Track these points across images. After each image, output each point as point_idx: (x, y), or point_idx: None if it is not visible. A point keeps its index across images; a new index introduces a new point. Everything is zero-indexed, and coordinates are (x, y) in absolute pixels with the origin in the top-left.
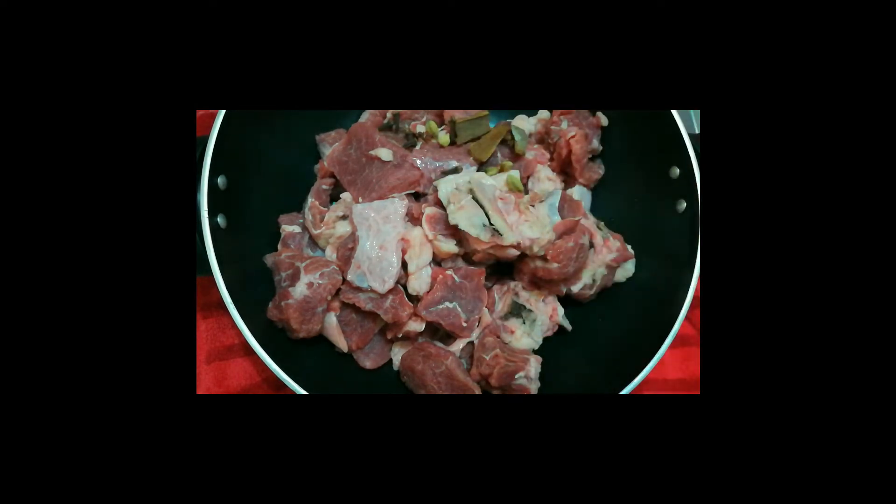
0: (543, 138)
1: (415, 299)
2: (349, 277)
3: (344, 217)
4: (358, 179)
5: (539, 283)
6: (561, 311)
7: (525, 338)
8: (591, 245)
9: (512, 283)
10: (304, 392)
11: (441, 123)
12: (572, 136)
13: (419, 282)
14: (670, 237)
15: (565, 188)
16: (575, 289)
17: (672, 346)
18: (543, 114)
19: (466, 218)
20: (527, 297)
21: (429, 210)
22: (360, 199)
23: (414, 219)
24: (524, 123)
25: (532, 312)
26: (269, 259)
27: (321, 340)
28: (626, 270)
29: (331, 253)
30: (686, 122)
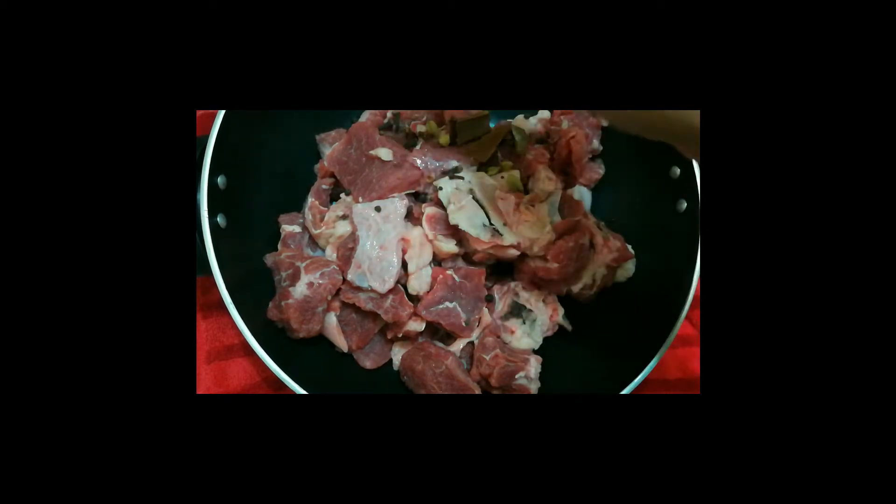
0: (543, 138)
1: (415, 299)
2: (349, 277)
3: (344, 217)
4: (358, 179)
5: (539, 283)
6: (561, 311)
7: (525, 338)
8: (591, 245)
9: (512, 283)
10: (304, 392)
11: (441, 123)
12: (572, 136)
13: (419, 282)
14: (670, 237)
15: (565, 188)
16: (575, 289)
17: (672, 346)
18: (543, 114)
19: (466, 218)
20: (527, 297)
21: (429, 210)
22: (360, 199)
23: (414, 219)
24: (524, 123)
25: (532, 312)
26: (269, 259)
27: (321, 340)
28: (626, 270)
29: (331, 253)
30: None
